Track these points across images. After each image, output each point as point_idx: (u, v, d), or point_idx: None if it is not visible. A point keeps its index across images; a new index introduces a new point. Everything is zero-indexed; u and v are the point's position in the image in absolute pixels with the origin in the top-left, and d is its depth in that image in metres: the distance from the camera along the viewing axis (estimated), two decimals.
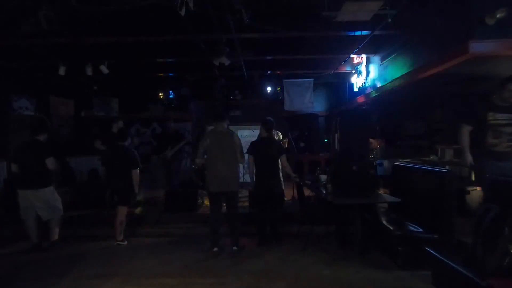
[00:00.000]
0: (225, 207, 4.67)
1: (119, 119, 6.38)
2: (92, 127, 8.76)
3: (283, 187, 6.31)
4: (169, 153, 6.85)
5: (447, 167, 5.61)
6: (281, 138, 6.31)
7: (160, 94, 9.82)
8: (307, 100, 8.87)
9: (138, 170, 4.83)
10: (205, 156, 4.52)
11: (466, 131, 4.01)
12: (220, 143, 4.43)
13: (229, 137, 4.50)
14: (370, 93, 7.43)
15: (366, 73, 7.57)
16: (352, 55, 6.84)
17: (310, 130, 8.89)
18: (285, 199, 6.25)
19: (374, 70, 7.27)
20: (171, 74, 8.59)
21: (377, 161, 7.37)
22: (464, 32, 4.07)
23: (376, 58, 7.07)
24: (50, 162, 4.53)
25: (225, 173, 4.36)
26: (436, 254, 2.97)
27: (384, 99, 7.51)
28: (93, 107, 9.44)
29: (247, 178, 4.95)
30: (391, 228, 3.95)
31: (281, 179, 6.00)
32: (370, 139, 6.94)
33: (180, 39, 5.66)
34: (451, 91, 6.84)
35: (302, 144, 8.52)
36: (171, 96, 9.83)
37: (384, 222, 4.21)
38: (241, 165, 4.89)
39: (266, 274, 3.73)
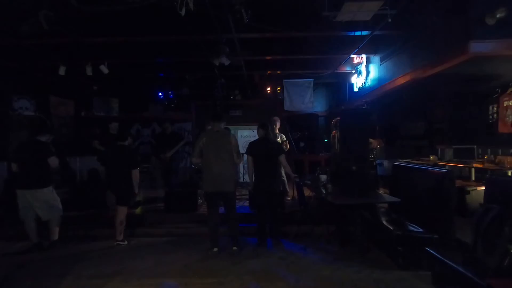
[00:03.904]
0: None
1: (114, 121, 6.36)
2: (92, 127, 8.75)
3: (287, 186, 6.33)
4: (168, 154, 6.86)
5: (447, 167, 5.62)
6: (284, 140, 6.33)
7: (160, 94, 9.83)
8: (307, 100, 8.86)
9: (137, 170, 4.83)
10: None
11: None
12: (216, 143, 4.42)
13: (225, 137, 4.49)
14: (370, 93, 7.43)
15: (366, 73, 7.56)
16: (352, 55, 6.83)
17: (310, 130, 8.88)
18: (288, 198, 6.26)
19: (374, 70, 7.26)
20: (171, 74, 8.58)
21: (377, 161, 7.38)
22: (464, 32, 4.07)
23: (376, 58, 7.07)
24: (53, 161, 4.54)
25: (220, 173, 4.34)
26: (436, 254, 2.97)
27: (384, 99, 7.50)
28: (93, 107, 9.43)
29: (247, 178, 4.96)
30: (391, 228, 3.95)
31: (284, 178, 6.00)
32: (370, 139, 6.93)
33: (180, 39, 5.65)
34: (451, 91, 6.84)
35: (302, 144, 8.51)
36: (171, 96, 9.83)
37: (384, 222, 4.21)
38: (241, 165, 4.89)
39: (266, 274, 3.73)
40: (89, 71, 6.63)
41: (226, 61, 5.88)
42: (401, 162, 6.18)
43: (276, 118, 6.32)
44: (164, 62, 7.69)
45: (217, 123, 4.53)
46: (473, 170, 5.86)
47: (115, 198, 4.84)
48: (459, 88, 6.52)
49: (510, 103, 5.56)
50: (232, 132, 8.94)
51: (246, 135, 9.32)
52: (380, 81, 6.91)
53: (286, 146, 6.31)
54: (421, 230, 3.87)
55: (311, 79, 8.72)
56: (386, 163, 7.42)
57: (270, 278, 3.63)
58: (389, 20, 4.51)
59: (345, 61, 7.28)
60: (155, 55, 6.91)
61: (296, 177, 5.13)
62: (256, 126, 4.99)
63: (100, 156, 5.52)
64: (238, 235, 4.53)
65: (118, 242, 4.77)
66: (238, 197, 6.43)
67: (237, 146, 4.52)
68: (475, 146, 6.04)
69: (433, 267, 3.04)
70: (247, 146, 4.91)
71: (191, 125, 9.88)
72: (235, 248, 4.44)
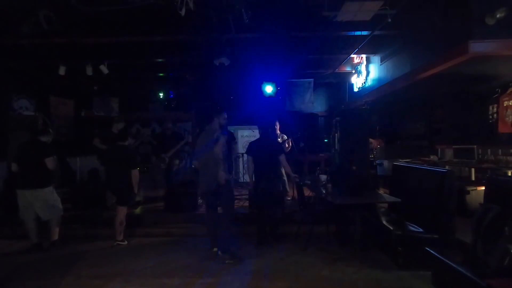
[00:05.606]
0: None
1: (120, 120, 6.27)
2: (92, 127, 8.76)
3: (287, 186, 6.32)
4: (167, 154, 6.85)
5: (447, 167, 5.62)
6: (286, 139, 6.34)
7: (160, 94, 9.83)
8: (307, 100, 8.86)
9: (137, 170, 4.83)
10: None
11: None
12: (204, 143, 4.38)
13: (210, 135, 4.40)
14: (370, 93, 7.43)
15: (366, 73, 7.57)
16: (352, 55, 6.84)
17: (310, 130, 8.89)
18: (288, 198, 6.26)
19: (374, 70, 7.27)
20: (171, 74, 8.59)
21: (377, 161, 7.38)
22: (464, 32, 4.07)
23: (376, 58, 7.07)
24: (50, 162, 4.53)
25: (211, 172, 4.28)
26: (436, 254, 2.97)
27: (384, 99, 7.51)
28: (93, 107, 9.44)
29: (247, 178, 4.95)
30: (391, 228, 3.95)
31: (284, 178, 5.99)
32: (370, 139, 6.94)
33: (180, 39, 5.66)
34: (451, 91, 6.85)
35: (302, 144, 8.52)
36: (171, 96, 9.83)
37: (384, 222, 4.21)
38: (241, 165, 4.88)
39: (266, 274, 3.73)
40: (89, 71, 6.63)
41: (226, 61, 5.89)
42: (401, 162, 6.18)
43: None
44: (164, 62, 7.69)
45: (208, 124, 4.52)
46: (473, 170, 5.87)
47: (115, 198, 4.84)
48: (459, 88, 6.52)
49: (510, 103, 5.57)
50: (232, 131, 8.96)
51: (246, 135, 9.30)
52: (380, 81, 6.91)
53: (289, 145, 6.32)
54: (421, 230, 3.87)
55: (311, 79, 8.73)
56: (386, 163, 7.42)
57: (270, 278, 3.63)
58: (389, 20, 4.52)
59: (345, 61, 7.29)
60: (155, 55, 6.91)
61: (296, 177, 5.13)
62: (256, 126, 4.98)
63: (101, 157, 5.54)
64: (228, 239, 4.25)
65: (118, 242, 4.77)
66: (238, 197, 6.44)
67: (223, 145, 4.23)
68: (475, 146, 6.04)
69: (433, 267, 3.04)
70: (247, 146, 4.90)
71: (191, 125, 9.88)
72: (215, 249, 4.27)
